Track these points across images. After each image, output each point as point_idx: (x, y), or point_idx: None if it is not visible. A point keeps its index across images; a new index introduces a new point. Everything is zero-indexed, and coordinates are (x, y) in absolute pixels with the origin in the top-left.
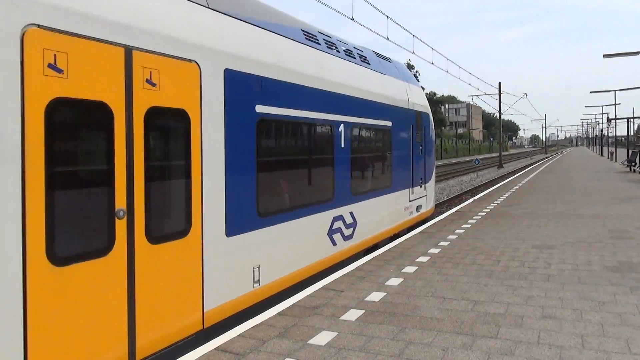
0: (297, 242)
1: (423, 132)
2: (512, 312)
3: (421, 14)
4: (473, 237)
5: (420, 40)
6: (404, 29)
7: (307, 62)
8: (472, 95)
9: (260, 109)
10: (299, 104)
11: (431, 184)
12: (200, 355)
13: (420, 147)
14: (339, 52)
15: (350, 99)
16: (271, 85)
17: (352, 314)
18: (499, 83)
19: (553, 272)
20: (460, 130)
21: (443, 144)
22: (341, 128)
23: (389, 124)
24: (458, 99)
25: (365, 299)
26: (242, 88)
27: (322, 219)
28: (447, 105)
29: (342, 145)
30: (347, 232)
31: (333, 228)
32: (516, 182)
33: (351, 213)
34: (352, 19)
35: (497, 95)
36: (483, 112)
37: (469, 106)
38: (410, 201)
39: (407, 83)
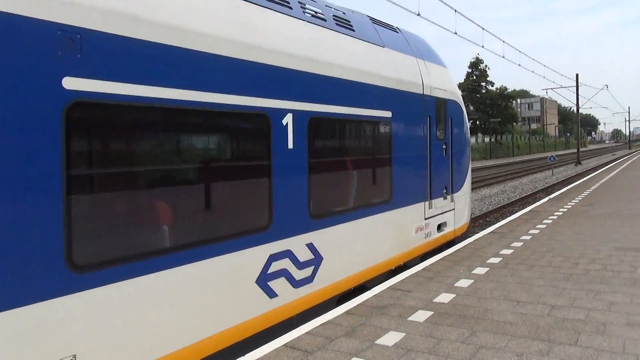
0: (177, 305)
1: (448, 125)
2: (593, 319)
3: (491, 6)
4: (549, 237)
5: (490, 33)
6: (473, 22)
7: (207, 14)
8: (546, 89)
9: (73, 84)
10: (179, 80)
11: (463, 193)
12: (270, 350)
13: (444, 146)
14: (290, 8)
15: (308, 78)
16: (106, 44)
17: (421, 315)
18: (577, 75)
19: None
20: (534, 126)
21: (515, 141)
22: (287, 120)
23: (387, 114)
24: (531, 93)
25: (434, 300)
26: (14, 45)
27: (243, 261)
28: (518, 100)
29: (291, 146)
30: (300, 274)
31: (269, 272)
32: (596, 180)
33: (310, 246)
34: (419, 14)
35: (574, 88)
36: (559, 106)
37: (542, 100)
38: (426, 219)
39: (422, 60)
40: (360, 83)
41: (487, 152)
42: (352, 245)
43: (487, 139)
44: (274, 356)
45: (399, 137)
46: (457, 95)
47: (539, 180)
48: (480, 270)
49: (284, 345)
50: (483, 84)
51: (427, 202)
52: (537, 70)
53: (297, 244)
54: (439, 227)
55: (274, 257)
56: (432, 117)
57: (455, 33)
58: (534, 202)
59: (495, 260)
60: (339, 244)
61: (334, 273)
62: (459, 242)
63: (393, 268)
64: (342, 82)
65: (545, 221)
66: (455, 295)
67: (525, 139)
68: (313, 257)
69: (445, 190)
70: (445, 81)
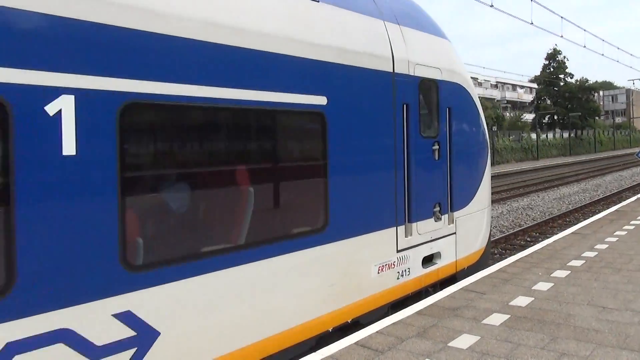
0: None
1: (444, 117)
2: None
3: None
4: (638, 239)
5: (570, 21)
6: (551, 11)
7: None
8: (633, 80)
9: None
10: None
11: (473, 209)
12: (341, 348)
13: (436, 146)
14: None
15: (120, 35)
16: None
17: (496, 318)
18: None
19: None
20: (619, 120)
21: (597, 136)
22: (60, 106)
23: (318, 100)
24: (615, 84)
25: (510, 303)
26: None
27: None
28: (601, 93)
29: (70, 151)
30: None
31: None
32: None
33: (126, 316)
34: (492, 5)
35: None
36: None
37: (629, 92)
38: (400, 251)
39: (396, 25)
40: (254, 52)
41: (566, 148)
42: (231, 307)
43: (566, 135)
44: (345, 354)
45: (342, 133)
46: (462, 77)
47: (625, 178)
48: (560, 273)
49: (354, 343)
50: (561, 76)
51: (401, 227)
52: (622, 60)
53: (90, 316)
54: (427, 260)
55: (21, 346)
56: (412, 105)
57: (532, 23)
58: (620, 202)
59: (577, 262)
60: (200, 306)
61: (185, 355)
62: (466, 276)
63: (331, 330)
64: (211, 47)
65: (633, 222)
66: (533, 298)
67: (608, 134)
68: (134, 334)
69: (438, 208)
70: (440, 57)
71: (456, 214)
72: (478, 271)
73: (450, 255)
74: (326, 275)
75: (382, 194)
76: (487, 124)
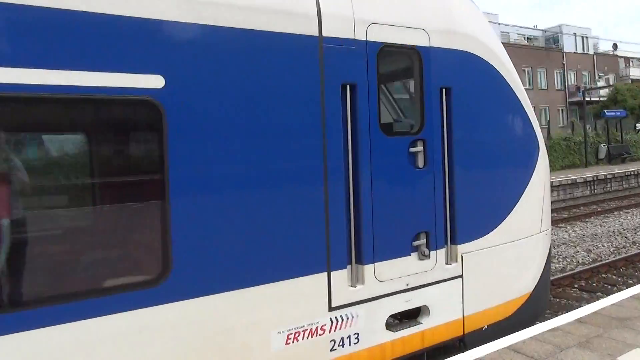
0: None
1: (435, 103)
2: None
3: None
4: None
5: None
6: None
7: None
8: None
9: None
10: None
11: (501, 240)
12: (492, 351)
13: (416, 148)
14: None
15: None
16: None
17: None
18: None
19: None
20: None
21: None
22: None
23: (148, 82)
24: None
25: None
26: None
27: None
28: None
29: None
30: None
31: None
32: None
33: None
34: None
35: None
36: None
37: None
38: (335, 309)
39: None
40: None
41: None
42: None
43: None
44: (496, 357)
45: (196, 132)
46: (479, 43)
47: None
48: None
49: (506, 347)
50: None
51: (340, 272)
52: None
53: None
54: (404, 320)
55: None
56: (362, 85)
57: None
58: None
59: None
60: None
61: None
62: (488, 341)
63: None
64: None
65: None
66: None
67: None
68: None
69: (423, 240)
70: (427, 12)
71: (464, 247)
72: (517, 330)
73: (451, 310)
74: (170, 354)
75: (294, 222)
76: (633, 113)
